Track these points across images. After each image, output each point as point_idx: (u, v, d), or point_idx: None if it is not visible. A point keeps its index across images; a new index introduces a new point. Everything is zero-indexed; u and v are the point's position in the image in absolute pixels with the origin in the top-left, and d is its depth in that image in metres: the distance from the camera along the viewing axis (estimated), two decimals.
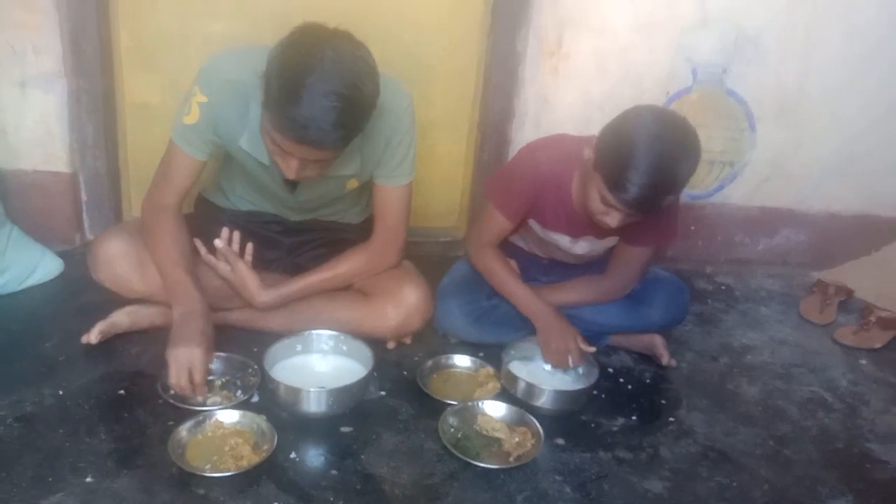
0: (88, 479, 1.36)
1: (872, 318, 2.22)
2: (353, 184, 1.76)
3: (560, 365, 1.77)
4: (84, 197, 2.21)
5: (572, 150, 1.67)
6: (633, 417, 1.73)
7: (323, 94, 1.33)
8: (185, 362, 1.52)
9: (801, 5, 2.20)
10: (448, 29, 2.23)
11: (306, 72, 1.34)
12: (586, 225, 1.71)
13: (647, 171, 1.46)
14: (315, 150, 1.41)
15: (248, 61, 1.52)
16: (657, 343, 1.92)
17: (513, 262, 1.99)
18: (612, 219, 1.58)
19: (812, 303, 2.37)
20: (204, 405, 1.57)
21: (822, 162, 2.44)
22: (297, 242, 1.94)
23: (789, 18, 2.21)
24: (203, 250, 1.74)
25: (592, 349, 1.79)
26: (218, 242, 1.71)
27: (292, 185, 1.70)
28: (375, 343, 1.80)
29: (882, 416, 1.84)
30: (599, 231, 1.75)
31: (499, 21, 2.15)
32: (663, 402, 1.81)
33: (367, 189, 1.88)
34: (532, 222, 1.86)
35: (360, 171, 1.70)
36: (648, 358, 1.95)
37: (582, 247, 1.86)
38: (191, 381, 1.52)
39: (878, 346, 2.16)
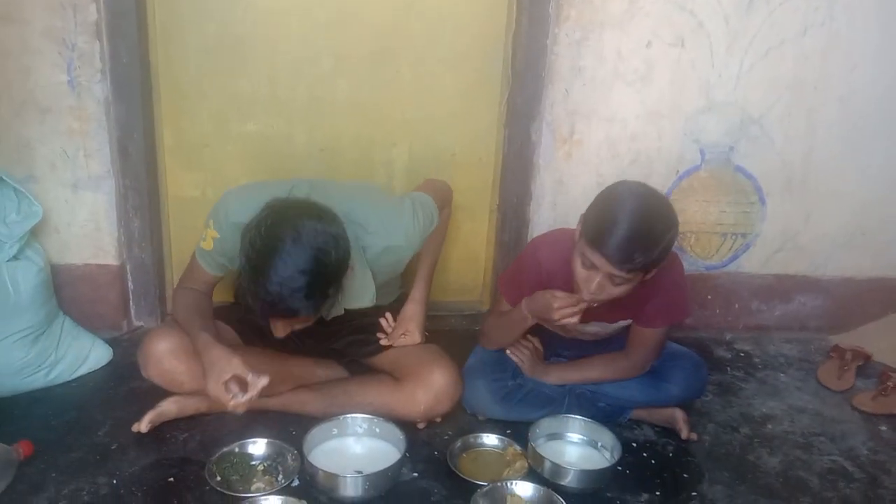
0: None
1: (890, 384, 2.26)
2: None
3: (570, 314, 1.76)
4: (131, 286, 2.35)
5: (571, 244, 1.77)
6: (657, 493, 1.78)
7: (288, 275, 1.48)
8: (218, 392, 1.63)
9: (800, 90, 2.32)
10: (468, 122, 2.40)
11: (270, 254, 1.49)
12: (594, 311, 1.80)
13: (625, 224, 1.59)
14: (289, 319, 1.59)
15: (258, 201, 1.62)
16: (678, 417, 1.99)
17: (536, 340, 2.09)
18: (592, 283, 1.66)
19: (830, 369, 2.42)
20: (249, 490, 1.67)
21: (832, 233, 2.52)
22: (333, 330, 2.07)
23: (790, 102, 2.33)
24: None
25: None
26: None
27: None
28: (407, 424, 1.89)
29: None
30: (607, 315, 1.85)
31: (514, 114, 2.30)
32: (685, 476, 1.86)
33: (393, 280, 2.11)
34: None
35: (376, 299, 1.87)
36: (670, 431, 2.01)
37: (594, 327, 1.96)
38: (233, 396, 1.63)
39: None
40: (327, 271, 1.54)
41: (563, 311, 1.75)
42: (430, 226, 1.96)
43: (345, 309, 2.04)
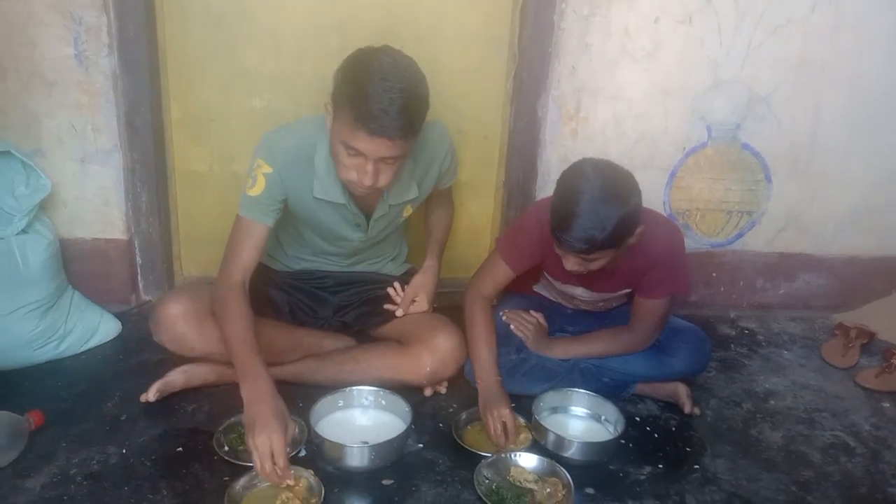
0: None
1: (895, 361, 2.27)
2: (408, 210, 1.99)
3: (495, 440, 1.78)
4: (139, 260, 2.37)
5: None
6: (660, 466, 1.80)
7: (387, 89, 1.57)
8: (266, 450, 1.51)
9: (808, 69, 2.31)
10: (475, 98, 2.39)
11: (371, 73, 1.59)
12: (593, 279, 1.81)
13: (572, 216, 1.62)
14: (385, 142, 1.60)
15: (300, 128, 1.84)
16: (681, 392, 2.00)
17: (541, 315, 2.11)
18: (568, 262, 1.73)
19: (834, 346, 2.43)
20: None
21: (838, 213, 2.53)
22: (343, 301, 2.11)
23: (797, 80, 2.32)
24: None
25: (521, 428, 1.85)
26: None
27: (366, 220, 1.91)
28: (412, 390, 1.93)
29: None
30: (608, 285, 1.86)
31: (521, 90, 2.30)
32: (688, 449, 1.88)
33: (402, 240, 2.19)
34: (547, 275, 1.98)
35: (419, 195, 1.95)
36: (674, 406, 2.02)
37: (596, 296, 1.97)
38: (274, 463, 1.51)
39: None
40: (418, 93, 1.64)
41: (499, 439, 1.76)
42: (455, 167, 2.06)
43: (362, 272, 2.10)
